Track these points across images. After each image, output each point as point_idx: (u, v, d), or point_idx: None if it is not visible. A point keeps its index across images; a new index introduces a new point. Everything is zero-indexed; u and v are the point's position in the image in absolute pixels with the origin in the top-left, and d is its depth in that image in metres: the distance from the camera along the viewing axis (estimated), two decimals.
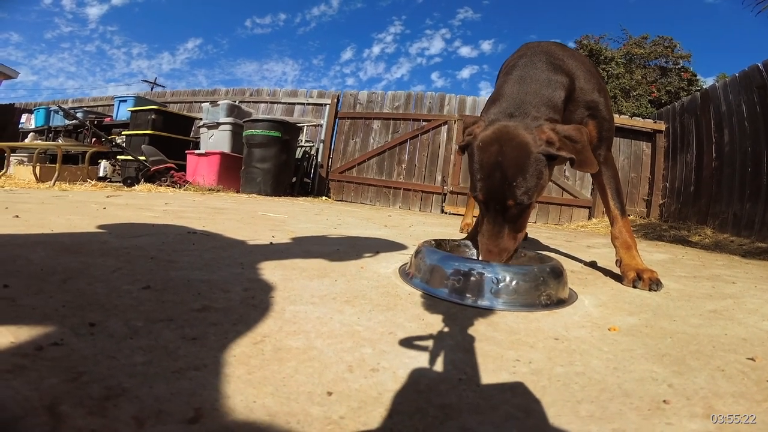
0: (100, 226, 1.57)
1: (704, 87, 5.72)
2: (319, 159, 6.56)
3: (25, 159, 6.13)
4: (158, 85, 22.19)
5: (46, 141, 7.41)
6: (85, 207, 2.21)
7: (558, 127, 1.12)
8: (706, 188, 4.44)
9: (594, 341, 0.79)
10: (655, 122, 5.56)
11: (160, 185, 4.72)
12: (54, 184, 4.13)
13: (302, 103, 6.93)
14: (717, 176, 4.32)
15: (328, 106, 6.68)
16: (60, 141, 6.95)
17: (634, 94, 9.41)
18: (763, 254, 2.83)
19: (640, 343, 0.79)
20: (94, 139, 6.14)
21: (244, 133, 5.19)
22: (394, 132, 6.31)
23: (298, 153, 6.20)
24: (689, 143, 4.90)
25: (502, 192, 1.07)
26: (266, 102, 7.20)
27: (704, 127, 4.63)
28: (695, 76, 9.84)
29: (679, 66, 9.97)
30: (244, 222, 2.14)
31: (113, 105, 7.40)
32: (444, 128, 6.06)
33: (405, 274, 1.19)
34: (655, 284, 1.29)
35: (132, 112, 6.14)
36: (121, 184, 4.90)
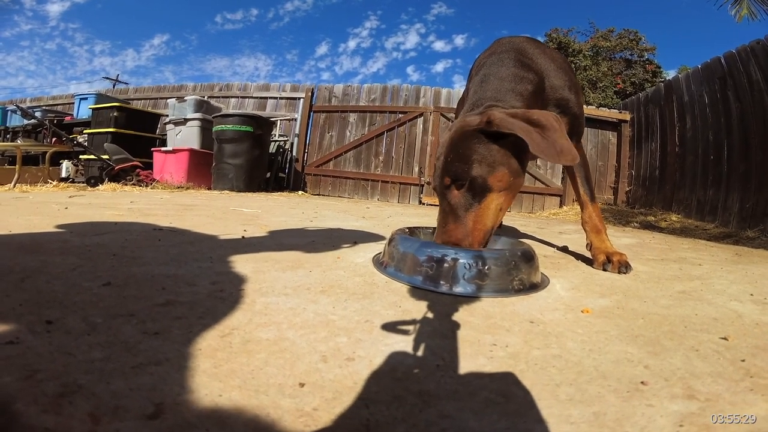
0: (60, 226, 1.49)
1: (668, 78, 5.92)
2: (294, 153, 6.46)
3: None
4: (120, 82, 21.36)
5: (3, 142, 7.04)
6: (46, 207, 2.09)
7: (517, 111, 1.10)
8: (670, 175, 4.61)
9: (568, 324, 0.79)
10: (621, 112, 5.73)
11: (126, 184, 4.54)
12: (14, 186, 3.92)
13: (275, 98, 6.80)
14: (680, 164, 4.48)
15: (302, 99, 6.57)
16: (19, 141, 6.60)
17: (601, 85, 9.66)
18: (727, 238, 2.96)
19: (613, 324, 0.80)
20: (54, 139, 5.85)
21: (214, 129, 5.05)
22: (371, 125, 6.28)
23: (272, 148, 6.08)
24: (653, 132, 5.06)
25: (442, 171, 1.08)
26: (237, 97, 7.02)
27: (668, 116, 4.79)
28: (659, 68, 10.19)
29: (644, 58, 10.30)
30: (215, 218, 2.08)
31: (74, 103, 7.09)
32: (420, 120, 6.07)
33: (379, 263, 1.18)
34: (624, 267, 1.32)
35: (93, 109, 5.88)
36: (85, 184, 4.69)
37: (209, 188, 5.04)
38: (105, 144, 5.15)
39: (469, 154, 1.05)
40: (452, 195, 1.07)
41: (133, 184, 4.58)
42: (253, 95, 6.94)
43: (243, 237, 1.52)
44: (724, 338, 0.75)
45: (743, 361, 0.65)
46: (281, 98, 6.77)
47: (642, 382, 0.56)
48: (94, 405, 0.42)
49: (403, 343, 0.64)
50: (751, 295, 1.10)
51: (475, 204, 1.06)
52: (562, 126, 1.05)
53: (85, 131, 5.89)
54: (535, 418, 0.47)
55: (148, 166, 5.23)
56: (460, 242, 1.04)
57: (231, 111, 5.37)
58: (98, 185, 4.44)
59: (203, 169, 5.15)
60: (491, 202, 1.07)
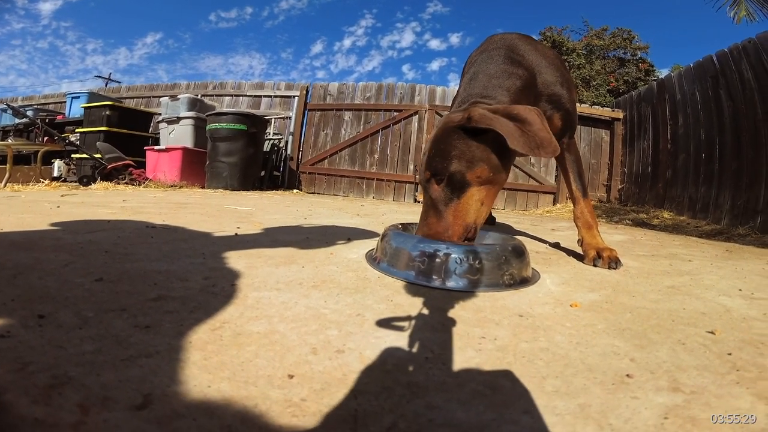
0: (53, 224, 1.48)
1: (660, 77, 5.95)
2: (289, 151, 6.44)
3: None
4: (113, 80, 21.17)
5: None
6: (38, 206, 2.08)
7: (499, 107, 1.10)
8: (662, 173, 4.64)
9: (557, 317, 0.80)
10: (614, 111, 5.76)
11: (118, 183, 4.51)
12: (5, 185, 3.88)
13: (269, 96, 6.77)
14: (673, 162, 4.52)
15: (296, 97, 6.55)
16: (10, 140, 6.55)
17: (594, 83, 9.70)
18: (718, 235, 2.98)
19: (601, 318, 0.81)
20: (46, 138, 5.81)
21: (207, 127, 5.02)
22: (366, 123, 6.27)
23: (267, 146, 6.06)
24: (646, 130, 5.10)
25: (425, 166, 1.11)
26: (231, 95, 6.98)
27: (660, 115, 4.82)
28: (652, 66, 10.24)
29: (637, 57, 10.34)
30: (209, 215, 2.08)
31: (65, 102, 7.04)
32: (415, 118, 6.07)
33: (372, 259, 1.18)
34: (614, 262, 1.33)
35: (85, 108, 5.84)
36: (77, 183, 4.66)
37: (203, 187, 5.03)
38: (97, 143, 5.12)
39: (449, 150, 1.08)
40: (433, 189, 1.10)
41: (126, 183, 4.56)
42: (248, 93, 6.90)
43: (236, 234, 1.52)
44: (711, 332, 0.75)
45: (730, 354, 0.65)
46: (276, 96, 6.74)
47: (627, 375, 0.56)
48: (84, 396, 0.42)
49: (394, 336, 0.65)
50: (740, 290, 1.11)
51: (455, 198, 1.08)
52: (543, 119, 1.05)
53: (77, 130, 5.85)
54: (522, 410, 0.47)
55: (141, 165, 5.20)
56: (439, 236, 1.06)
57: (225, 109, 5.35)
58: (90, 184, 4.41)
59: (197, 167, 5.12)
60: (471, 197, 1.09)
